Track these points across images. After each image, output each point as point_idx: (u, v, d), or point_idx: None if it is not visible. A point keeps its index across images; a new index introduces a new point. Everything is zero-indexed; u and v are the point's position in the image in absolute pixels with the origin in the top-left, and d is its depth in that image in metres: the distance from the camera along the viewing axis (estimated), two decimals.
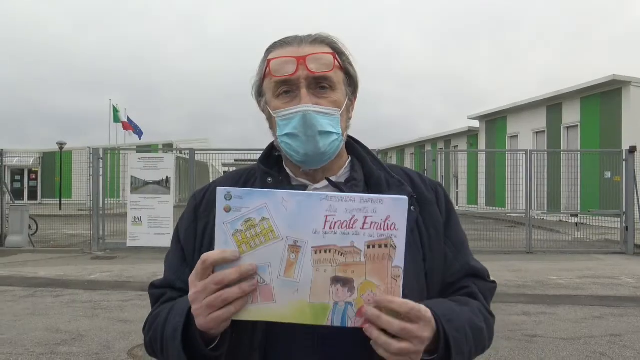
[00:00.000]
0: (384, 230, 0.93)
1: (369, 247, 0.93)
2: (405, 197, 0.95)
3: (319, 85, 1.10)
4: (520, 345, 5.06)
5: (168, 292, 1.16)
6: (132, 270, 9.33)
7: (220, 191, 0.95)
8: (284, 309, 0.93)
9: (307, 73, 1.09)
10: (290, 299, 0.93)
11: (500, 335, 5.19)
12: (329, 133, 1.10)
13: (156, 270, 9.10)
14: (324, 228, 0.93)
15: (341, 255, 0.93)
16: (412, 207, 1.14)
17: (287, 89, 1.11)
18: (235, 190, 0.95)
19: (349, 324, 0.93)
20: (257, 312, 0.94)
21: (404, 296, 0.96)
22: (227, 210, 0.94)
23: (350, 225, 0.93)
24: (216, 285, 0.92)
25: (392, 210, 0.94)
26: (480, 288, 1.18)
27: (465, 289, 1.17)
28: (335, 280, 0.93)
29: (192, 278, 0.95)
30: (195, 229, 1.18)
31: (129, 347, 5.01)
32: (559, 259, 10.85)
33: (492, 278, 1.26)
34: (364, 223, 0.93)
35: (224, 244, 0.94)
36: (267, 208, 0.94)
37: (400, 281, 0.93)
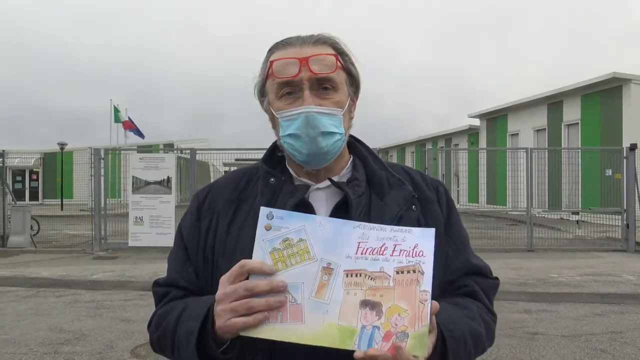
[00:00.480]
0: (412, 257, 0.98)
1: (397, 272, 0.97)
2: (433, 228, 1.00)
3: (322, 86, 1.11)
4: (521, 342, 5.07)
5: (172, 290, 1.17)
6: (134, 270, 9.35)
7: (264, 210, 1.00)
8: (311, 330, 0.95)
9: (309, 74, 1.09)
10: (318, 320, 0.95)
11: (502, 332, 5.21)
12: (332, 133, 1.11)
13: (158, 269, 9.12)
14: (356, 253, 0.98)
15: (371, 279, 0.96)
16: (413, 207, 1.16)
17: (290, 90, 1.11)
18: (277, 211, 1.00)
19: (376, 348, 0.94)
20: (285, 331, 0.95)
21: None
22: (268, 228, 0.99)
23: (381, 252, 0.98)
24: (246, 292, 0.95)
25: (420, 239, 0.99)
26: (481, 286, 1.19)
27: (466, 288, 1.18)
28: (364, 303, 0.95)
29: (224, 279, 0.98)
30: (198, 228, 1.18)
31: (132, 346, 5.03)
32: (560, 256, 10.86)
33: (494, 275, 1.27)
34: (394, 250, 0.98)
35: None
36: (305, 230, 0.99)
37: (428, 305, 0.95)
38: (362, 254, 0.98)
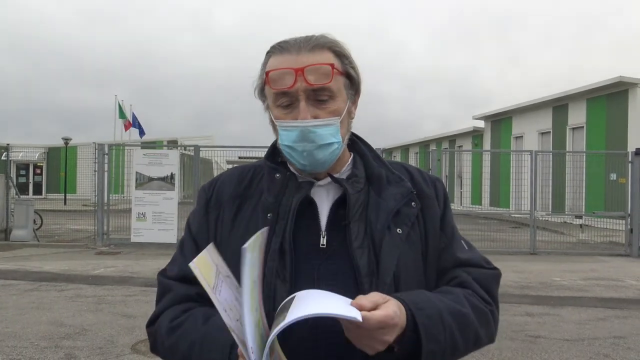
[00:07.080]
0: None
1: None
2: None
3: (318, 96, 1.10)
4: (523, 345, 5.05)
5: (176, 287, 1.18)
6: (136, 265, 9.36)
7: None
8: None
9: (305, 85, 1.09)
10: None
11: (504, 335, 5.19)
12: (329, 144, 1.12)
13: (160, 265, 9.01)
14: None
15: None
16: (412, 203, 1.17)
17: (287, 100, 1.11)
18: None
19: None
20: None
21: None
22: None
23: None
24: None
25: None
26: (475, 276, 1.18)
27: (456, 279, 1.18)
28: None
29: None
30: (207, 222, 1.21)
31: (133, 342, 5.03)
32: (563, 260, 10.82)
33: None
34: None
35: None
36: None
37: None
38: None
